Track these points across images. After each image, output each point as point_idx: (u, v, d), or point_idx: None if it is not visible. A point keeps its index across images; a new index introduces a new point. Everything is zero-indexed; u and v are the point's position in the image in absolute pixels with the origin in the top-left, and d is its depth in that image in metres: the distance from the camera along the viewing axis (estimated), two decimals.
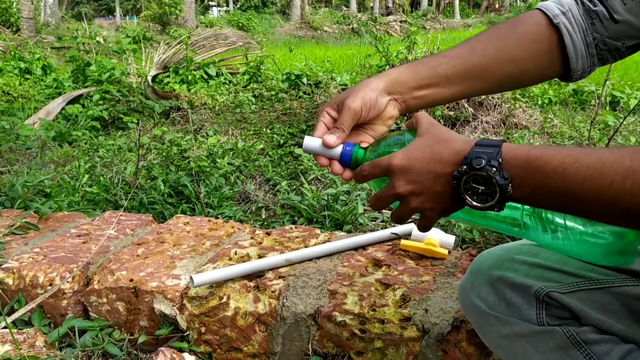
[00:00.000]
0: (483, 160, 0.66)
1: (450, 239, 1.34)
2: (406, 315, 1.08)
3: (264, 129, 3.89)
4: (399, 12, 26.23)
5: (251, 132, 3.94)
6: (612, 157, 0.60)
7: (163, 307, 1.26)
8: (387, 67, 4.40)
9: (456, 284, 1.17)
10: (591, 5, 0.85)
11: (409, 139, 0.76)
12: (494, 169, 0.65)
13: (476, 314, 0.88)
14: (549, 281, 0.82)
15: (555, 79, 0.91)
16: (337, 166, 0.83)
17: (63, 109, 4.74)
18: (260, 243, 1.45)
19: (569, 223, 0.73)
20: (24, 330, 1.27)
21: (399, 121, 3.15)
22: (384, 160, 0.73)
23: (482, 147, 0.67)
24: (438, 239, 1.30)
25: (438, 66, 0.86)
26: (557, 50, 0.86)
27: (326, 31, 18.70)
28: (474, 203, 0.67)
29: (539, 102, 4.67)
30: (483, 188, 0.66)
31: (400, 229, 1.43)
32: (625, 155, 0.59)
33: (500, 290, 0.85)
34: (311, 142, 0.82)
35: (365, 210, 2.12)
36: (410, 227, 1.44)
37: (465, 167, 0.67)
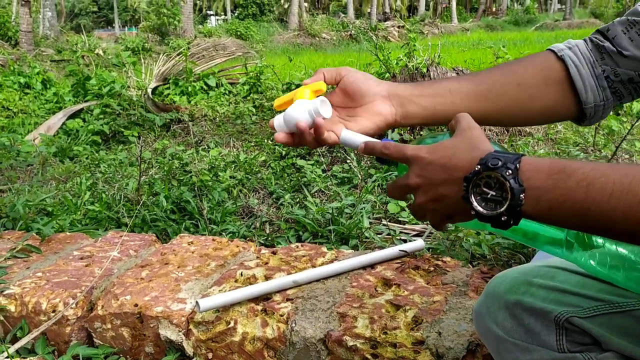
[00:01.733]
0: (499, 162, 0.63)
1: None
2: (419, 339, 1.06)
3: (266, 140, 3.87)
4: (397, 17, 26.29)
5: (252, 144, 3.91)
6: None
7: (169, 332, 1.23)
8: (388, 75, 4.37)
9: (469, 304, 1.14)
10: (599, 41, 0.87)
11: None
12: (510, 171, 0.62)
13: (493, 339, 0.86)
14: (568, 306, 0.80)
15: None
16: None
17: (64, 123, 4.73)
18: (267, 263, 1.43)
19: (620, 249, 0.69)
20: (28, 358, 1.24)
21: (402, 131, 3.12)
22: (410, 149, 0.72)
23: (501, 153, 0.66)
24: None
25: (442, 81, 0.88)
26: (567, 83, 0.88)
27: (324, 38, 18.77)
28: (479, 208, 0.65)
29: None
30: (493, 193, 0.64)
31: (408, 246, 1.40)
32: None
33: (517, 316, 0.82)
34: (350, 134, 0.83)
35: (371, 224, 2.09)
36: (420, 244, 1.42)
37: (479, 166, 0.64)
